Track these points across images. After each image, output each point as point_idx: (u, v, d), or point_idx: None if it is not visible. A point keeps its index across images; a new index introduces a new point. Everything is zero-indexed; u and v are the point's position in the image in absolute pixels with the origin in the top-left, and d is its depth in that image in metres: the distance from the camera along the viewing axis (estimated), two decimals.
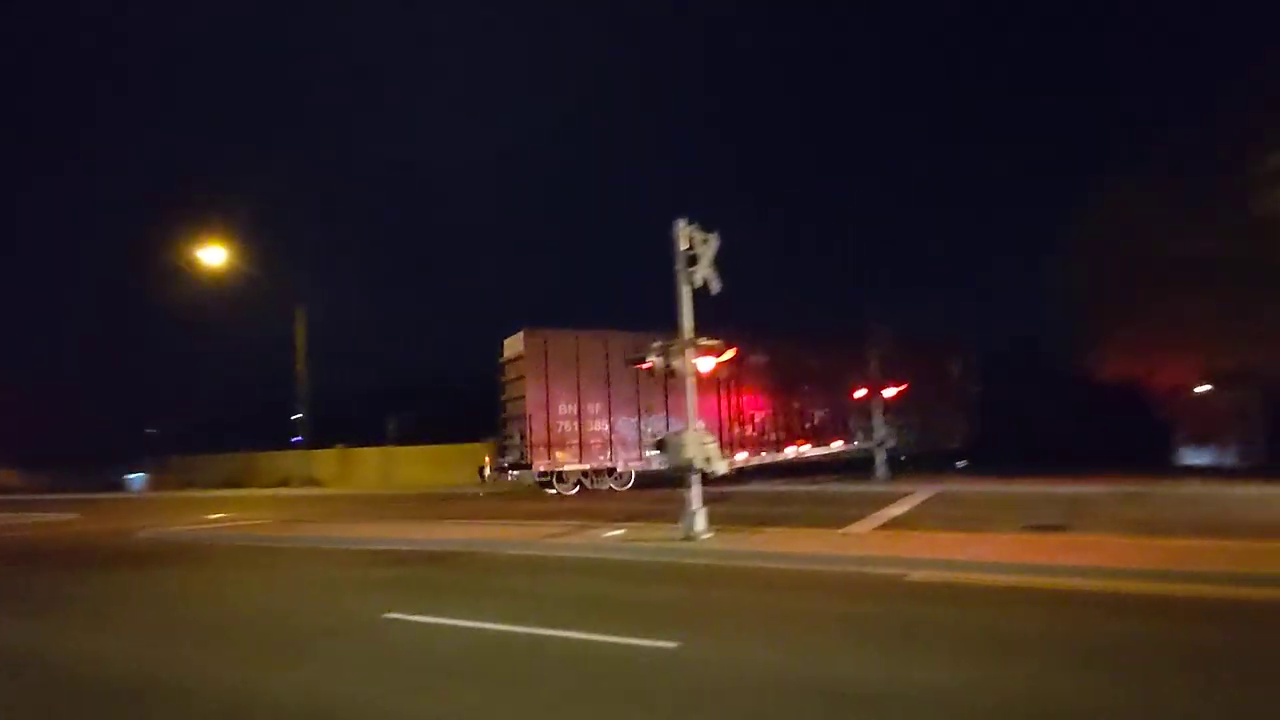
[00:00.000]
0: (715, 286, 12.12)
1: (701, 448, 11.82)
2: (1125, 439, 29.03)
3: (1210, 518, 14.06)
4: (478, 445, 33.14)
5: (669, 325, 12.44)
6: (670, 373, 12.37)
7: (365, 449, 36.96)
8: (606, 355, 24.37)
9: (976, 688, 5.29)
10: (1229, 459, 24.55)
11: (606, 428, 24.40)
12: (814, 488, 23.35)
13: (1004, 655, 6.03)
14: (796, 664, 6.01)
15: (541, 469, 23.79)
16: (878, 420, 26.24)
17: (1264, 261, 18.74)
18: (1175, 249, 19.64)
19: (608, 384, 24.31)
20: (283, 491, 33.61)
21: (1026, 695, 5.11)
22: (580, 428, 24.18)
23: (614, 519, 15.60)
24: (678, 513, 12.38)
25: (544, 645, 6.77)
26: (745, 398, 25.66)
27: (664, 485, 24.64)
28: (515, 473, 24.40)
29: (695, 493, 12.10)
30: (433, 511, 20.06)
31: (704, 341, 12.05)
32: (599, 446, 24.37)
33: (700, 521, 12.04)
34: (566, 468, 24.14)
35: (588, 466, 24.28)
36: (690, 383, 12.16)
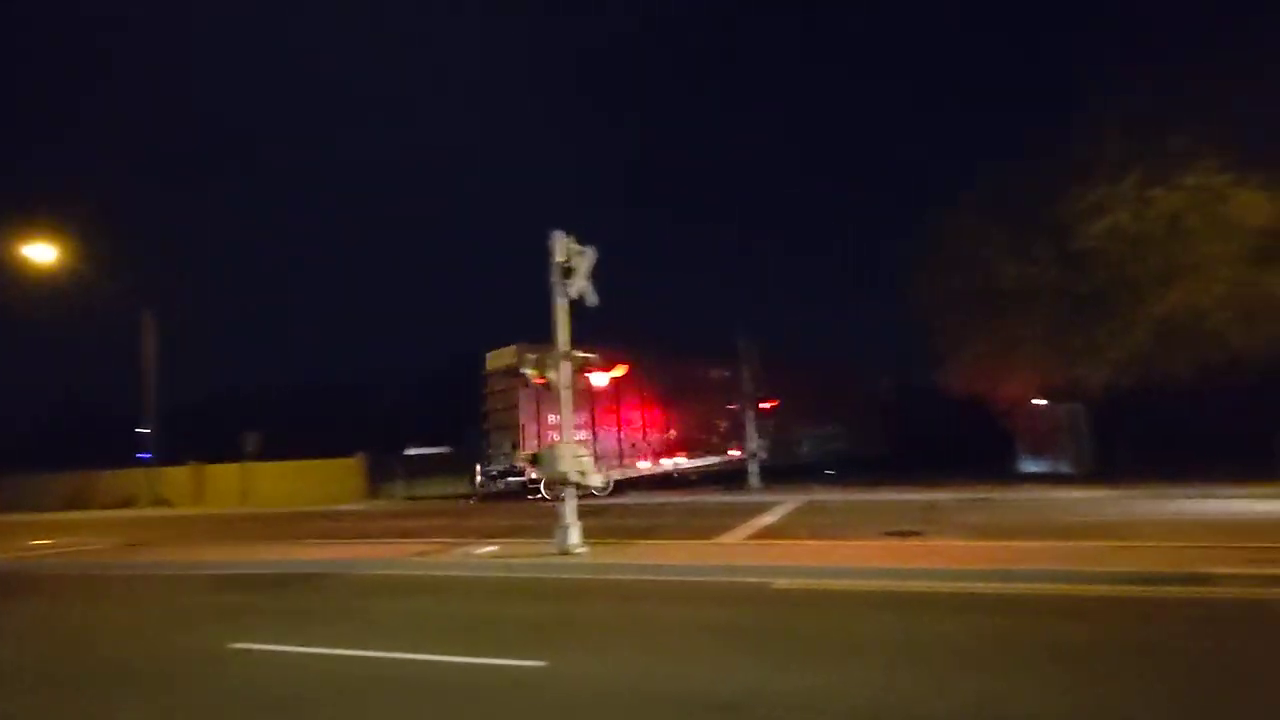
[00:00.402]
0: (592, 299, 12.07)
1: (576, 460, 11.69)
2: (973, 449, 31.21)
3: (1045, 520, 15.24)
4: (349, 460, 31.59)
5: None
6: (546, 385, 12.18)
7: (222, 465, 34.39)
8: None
9: (833, 691, 5.43)
10: (1062, 466, 26.75)
11: (590, 437, 25.62)
12: (690, 499, 23.67)
13: (859, 658, 6.23)
14: (663, 675, 5.98)
15: (534, 476, 23.73)
16: (751, 433, 26.98)
17: (1081, 288, 20.76)
18: (1008, 276, 21.46)
19: (590, 396, 25.26)
20: (128, 513, 30.73)
21: (879, 695, 5.28)
22: (620, 435, 26.14)
23: (489, 535, 15.17)
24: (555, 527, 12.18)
25: (404, 670, 6.42)
26: (624, 411, 25.82)
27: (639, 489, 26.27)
28: (508, 479, 24.89)
29: (569, 506, 11.95)
30: (294, 531, 18.87)
31: (579, 354, 11.95)
32: (641, 451, 26.39)
33: (574, 535, 11.89)
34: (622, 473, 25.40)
35: (637, 471, 25.97)
36: (566, 395, 12.03)
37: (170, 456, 34.66)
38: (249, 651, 7.14)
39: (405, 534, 16.60)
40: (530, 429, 24.25)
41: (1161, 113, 19.67)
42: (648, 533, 14.80)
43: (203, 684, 6.26)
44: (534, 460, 11.81)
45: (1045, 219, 21.11)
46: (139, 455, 35.05)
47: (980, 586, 8.88)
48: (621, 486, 25.34)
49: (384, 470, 31.99)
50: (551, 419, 24.36)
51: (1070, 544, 11.28)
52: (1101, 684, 5.35)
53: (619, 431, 26.43)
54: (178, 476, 34.64)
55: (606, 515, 19.40)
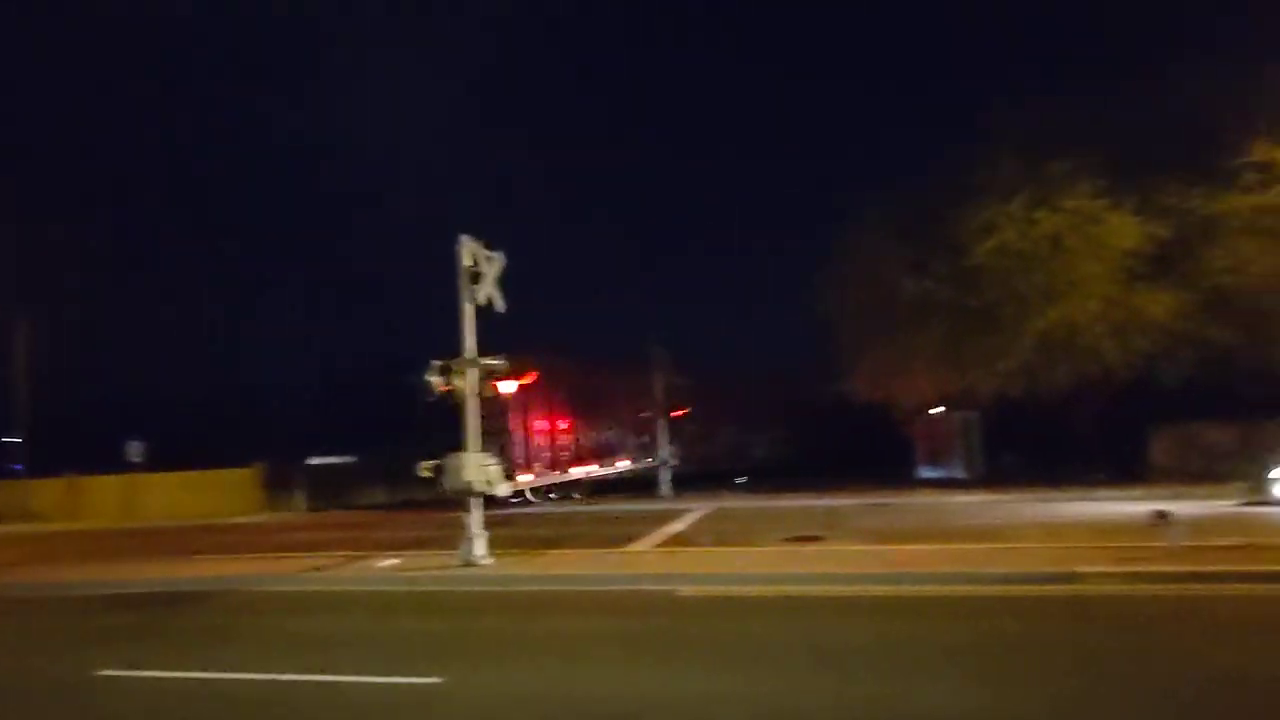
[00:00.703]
0: (500, 305, 11.90)
1: (482, 470, 11.48)
2: (876, 455, 32.39)
3: (938, 525, 15.93)
4: (244, 471, 30.05)
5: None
6: (452, 392, 11.91)
7: (102, 477, 32.06)
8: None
9: (732, 697, 5.50)
10: (956, 472, 28.09)
11: (572, 442, 26.56)
12: (602, 507, 23.63)
13: (758, 663, 6.33)
14: (562, 687, 5.92)
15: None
16: (663, 440, 27.20)
17: (973, 303, 21.90)
18: (907, 290, 22.45)
19: (571, 402, 26.80)
20: None
21: (776, 699, 5.38)
22: (553, 443, 26.23)
23: (393, 547, 14.70)
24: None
25: (293, 693, 6.13)
26: (534, 419, 25.59)
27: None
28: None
29: (475, 517, 11.71)
30: (180, 546, 17.78)
31: (487, 361, 11.75)
32: (567, 460, 26.41)
33: (480, 547, 11.66)
34: (542, 480, 25.43)
35: (560, 478, 25.98)
36: (473, 404, 11.80)
37: (46, 468, 32.15)
38: (117, 679, 6.66)
39: (303, 547, 15.90)
40: (518, 435, 24.56)
41: (1046, 139, 21.00)
42: (556, 542, 14.67)
43: (58, 716, 5.80)
44: (438, 470, 11.48)
45: (941, 237, 22.16)
46: (12, 467, 32.41)
47: (876, 589, 9.20)
48: (532, 495, 25.09)
49: (284, 481, 30.58)
50: (539, 425, 25.77)
51: (959, 547, 11.82)
52: (987, 682, 5.61)
53: (528, 439, 26.21)
54: (51, 490, 32.11)
55: (516, 525, 19.12)
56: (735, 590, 9.51)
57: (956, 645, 6.70)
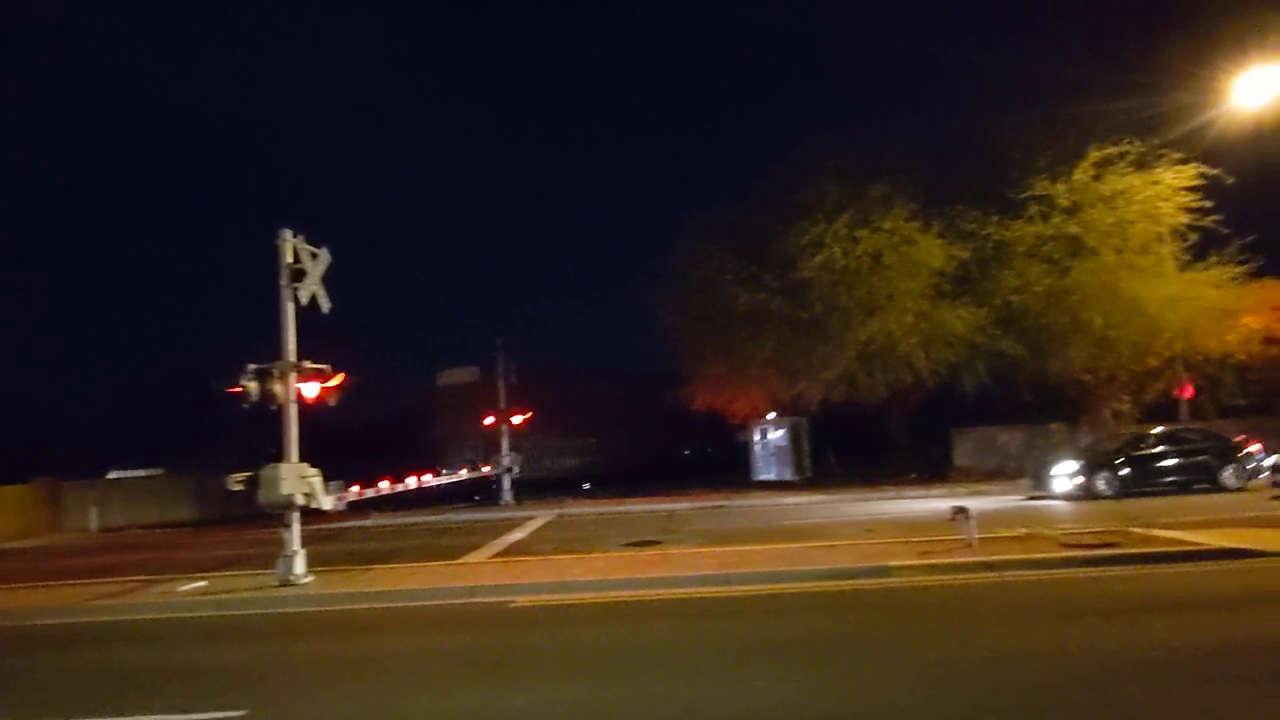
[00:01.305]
0: (325, 305, 11.17)
1: (302, 481, 10.69)
2: (714, 459, 33.55)
3: (767, 525, 16.69)
4: (23, 488, 26.40)
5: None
6: (270, 399, 11.01)
7: None
8: None
9: (555, 707, 5.39)
10: (787, 474, 29.58)
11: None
12: (439, 518, 22.83)
13: (585, 671, 6.27)
14: (379, 711, 5.58)
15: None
16: (505, 447, 26.73)
17: (801, 315, 23.25)
18: (741, 301, 23.50)
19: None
20: None
21: (597, 706, 5.33)
22: None
23: (201, 568, 13.40)
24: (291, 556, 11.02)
25: None
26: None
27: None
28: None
29: (294, 533, 10.90)
30: None
31: (309, 365, 10.98)
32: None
33: (299, 565, 10.86)
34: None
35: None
36: (292, 411, 10.97)
37: None
38: None
39: (93, 573, 14.15)
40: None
41: (866, 165, 22.66)
42: (387, 556, 13.97)
43: None
44: (251, 483, 10.56)
45: (773, 252, 23.34)
46: None
47: (706, 591, 9.44)
48: (364, 507, 23.81)
49: (77, 498, 27.22)
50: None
51: (785, 546, 12.38)
52: (801, 676, 5.84)
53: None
54: None
55: (344, 540, 18.08)
56: (572, 598, 9.42)
57: (776, 640, 6.97)
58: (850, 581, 9.44)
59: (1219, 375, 25.33)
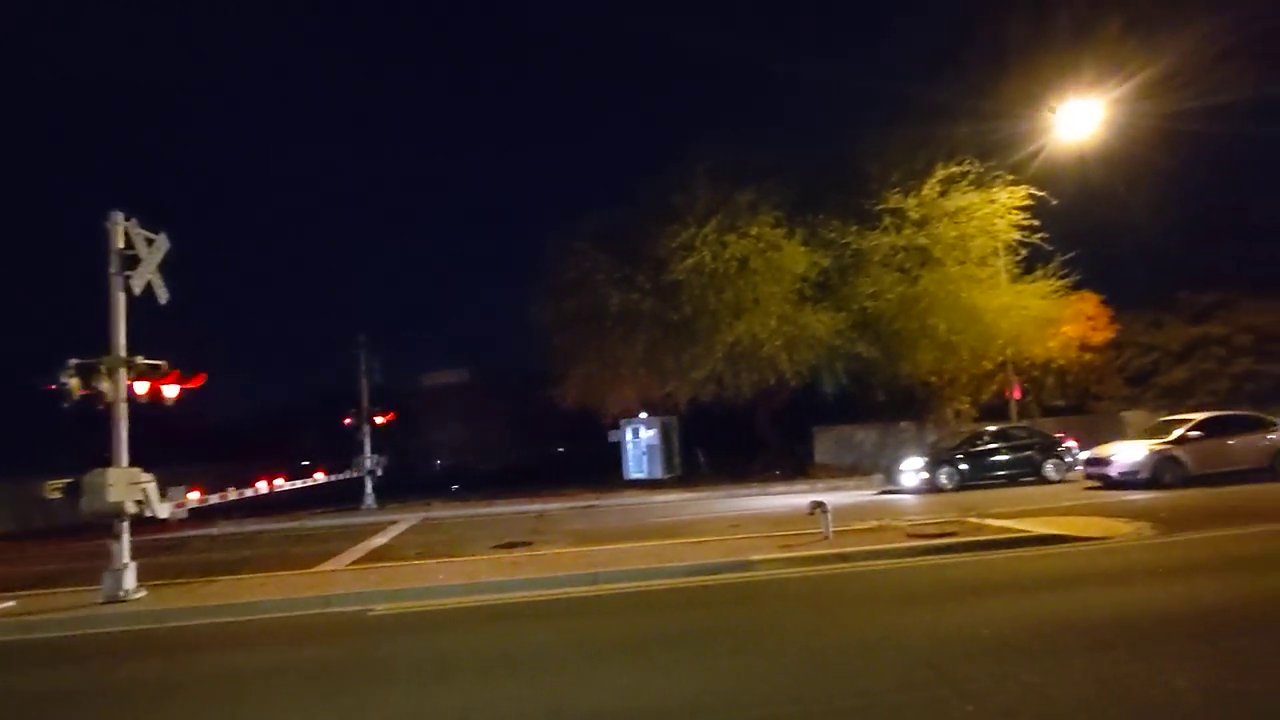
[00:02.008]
0: (163, 295, 10.26)
1: (133, 488, 9.76)
2: (587, 458, 33.57)
3: (637, 523, 16.87)
4: None
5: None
6: (97, 398, 9.98)
7: None
8: None
9: (414, 718, 5.18)
10: (658, 473, 30.02)
11: None
12: (294, 524, 21.53)
13: (446, 678, 6.07)
14: None
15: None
16: (367, 449, 25.59)
17: (672, 316, 23.70)
18: (614, 302, 23.67)
19: None
20: None
21: (458, 714, 5.17)
22: None
23: (7, 587, 11.94)
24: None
25: None
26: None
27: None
28: None
29: (124, 544, 9.94)
30: None
31: (142, 361, 10.04)
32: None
33: (129, 579, 9.91)
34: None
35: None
36: (122, 410, 10.00)
37: None
38: None
39: None
40: None
41: (735, 172, 23.37)
42: (234, 567, 13.02)
43: None
44: (73, 490, 9.53)
45: (646, 253, 23.63)
46: None
47: (575, 591, 9.39)
48: (210, 514, 22.12)
49: None
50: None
51: (653, 544, 12.55)
52: (665, 671, 5.90)
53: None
54: None
55: (186, 550, 16.73)
56: (435, 604, 9.12)
57: (642, 637, 7.03)
58: (716, 576, 9.68)
59: (1043, 378, 28.09)
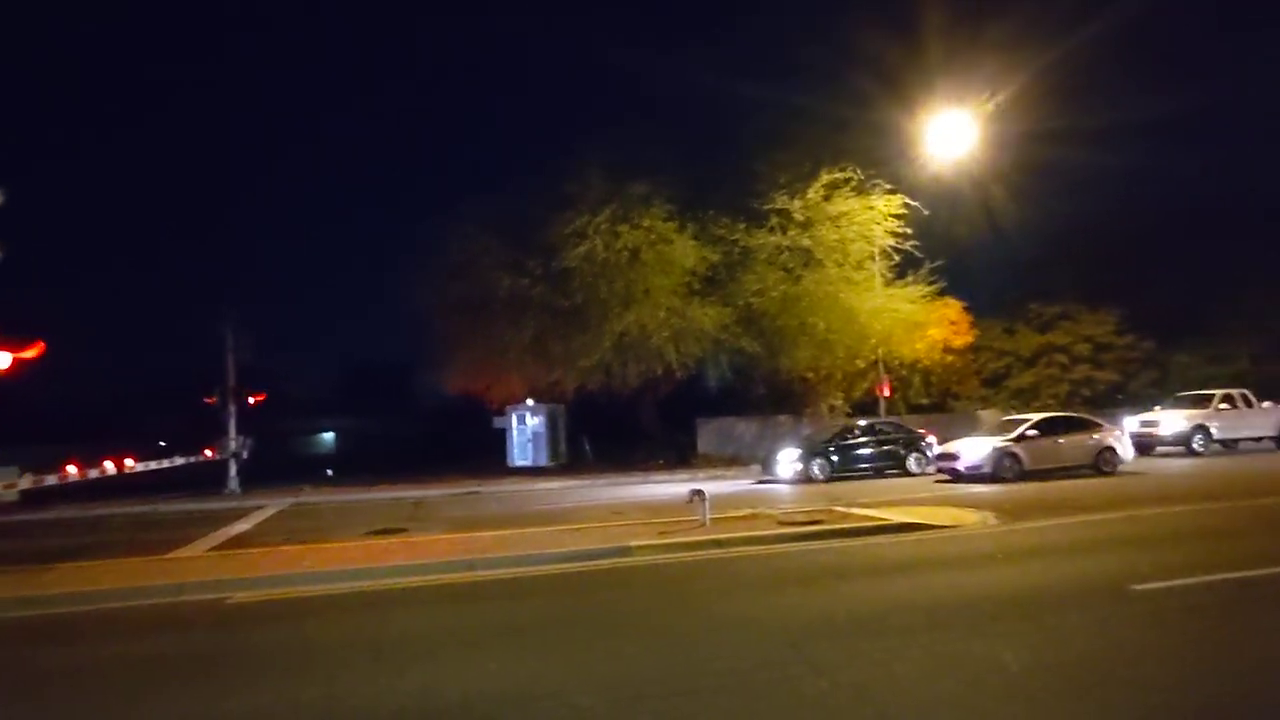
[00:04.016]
0: None
1: None
2: (470, 445, 32.99)
3: (518, 510, 16.79)
4: None
5: None
6: None
7: None
8: None
9: (274, 708, 4.98)
10: (543, 460, 29.93)
11: None
12: (146, 509, 20.06)
13: (308, 667, 5.86)
14: None
15: None
16: (232, 430, 24.15)
17: (562, 303, 23.69)
18: (503, 286, 23.39)
19: None
20: None
21: (322, 704, 5.02)
22: None
23: None
24: None
25: None
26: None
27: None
28: None
29: None
30: None
31: None
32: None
33: None
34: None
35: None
36: None
37: None
38: None
39: None
40: None
41: (629, 164, 23.54)
42: (76, 553, 12.01)
43: None
44: None
45: (537, 239, 23.47)
46: None
47: (450, 577, 9.25)
48: (47, 498, 20.29)
49: None
50: None
51: (534, 530, 12.52)
52: (537, 656, 5.93)
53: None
54: None
55: (19, 536, 15.30)
56: (300, 591, 8.76)
57: (517, 623, 7.03)
58: (594, 562, 9.77)
59: (910, 377, 29.94)
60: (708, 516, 11.79)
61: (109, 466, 20.93)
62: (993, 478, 17.87)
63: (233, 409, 24.36)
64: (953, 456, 19.03)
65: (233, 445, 24.25)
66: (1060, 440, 18.77)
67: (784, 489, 19.38)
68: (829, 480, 20.38)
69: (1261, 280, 32.49)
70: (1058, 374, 32.75)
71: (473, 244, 23.85)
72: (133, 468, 23.16)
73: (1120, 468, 18.70)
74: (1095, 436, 19.08)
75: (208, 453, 26.06)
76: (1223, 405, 23.41)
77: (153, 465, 24.84)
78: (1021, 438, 18.52)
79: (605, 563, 9.76)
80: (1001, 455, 18.17)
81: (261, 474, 25.87)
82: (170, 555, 11.57)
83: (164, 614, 8.08)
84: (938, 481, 18.96)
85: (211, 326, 24.20)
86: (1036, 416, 19.77)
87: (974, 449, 18.66)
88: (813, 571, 8.91)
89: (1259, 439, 23.68)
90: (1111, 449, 18.80)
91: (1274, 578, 7.39)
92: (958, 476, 18.61)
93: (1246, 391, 24.16)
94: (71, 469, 18.91)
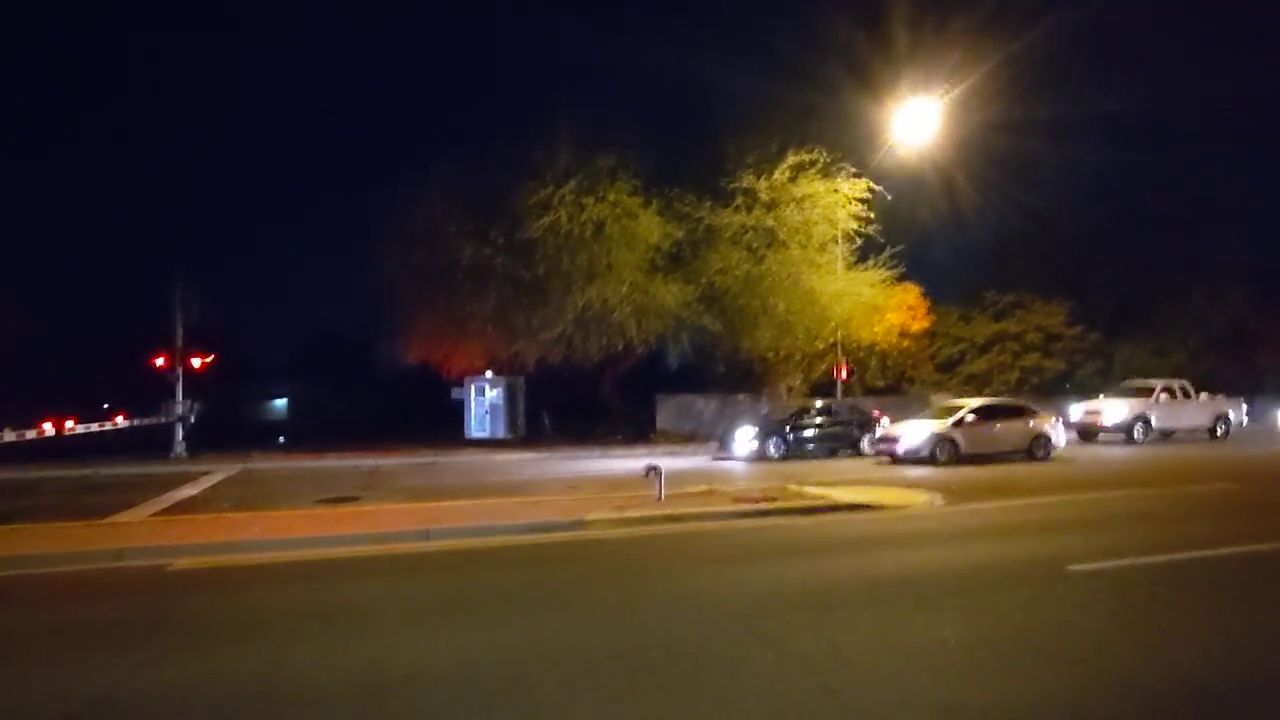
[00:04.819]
0: None
1: None
2: (428, 415, 32.68)
3: (476, 481, 16.70)
4: None
5: None
6: None
7: None
8: None
9: (216, 678, 4.87)
10: (501, 432, 29.78)
11: None
12: (86, 471, 19.49)
13: (251, 636, 5.75)
14: None
15: None
16: (179, 392, 23.50)
17: (525, 275, 23.41)
18: (465, 255, 22.99)
19: None
20: None
21: (265, 673, 4.93)
22: None
23: None
24: None
25: None
26: None
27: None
28: None
29: None
30: None
31: None
32: None
33: None
34: None
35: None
36: None
37: None
38: None
39: None
40: None
41: (597, 136, 23.25)
42: (8, 517, 11.65)
43: None
44: None
45: (502, 208, 23.10)
46: None
47: (403, 547, 9.17)
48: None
49: None
50: None
51: (490, 501, 12.48)
52: (489, 627, 5.90)
53: None
54: None
55: None
56: (247, 559, 8.60)
57: (469, 595, 7.00)
58: (549, 535, 9.77)
59: (867, 360, 30.41)
60: (663, 492, 11.86)
61: (48, 428, 20.20)
62: (930, 460, 18.26)
63: (180, 371, 23.69)
64: (893, 440, 19.40)
65: (179, 408, 23.62)
66: (997, 426, 19.23)
67: (740, 466, 19.59)
68: (784, 459, 20.64)
69: (1202, 279, 33.70)
70: (1009, 361, 33.56)
71: (436, 211, 23.38)
72: (73, 429, 22.39)
73: (1053, 454, 19.24)
74: (1031, 423, 19.58)
75: (158, 417, 25.34)
76: (1163, 396, 24.26)
77: (95, 428, 24.04)
78: (960, 423, 18.93)
79: (560, 535, 9.77)
80: (940, 439, 18.56)
81: (210, 439, 25.29)
82: (110, 520, 11.26)
83: (101, 580, 7.87)
84: (877, 464, 19.32)
85: (160, 284, 23.44)
86: (975, 402, 20.21)
87: (913, 432, 19.02)
88: (765, 548, 9.02)
89: (1194, 429, 24.62)
90: (1046, 436, 19.32)
91: (1202, 560, 7.70)
92: (896, 459, 18.96)
93: (1186, 383, 25.06)
94: (7, 432, 18.20)
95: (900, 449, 18.87)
